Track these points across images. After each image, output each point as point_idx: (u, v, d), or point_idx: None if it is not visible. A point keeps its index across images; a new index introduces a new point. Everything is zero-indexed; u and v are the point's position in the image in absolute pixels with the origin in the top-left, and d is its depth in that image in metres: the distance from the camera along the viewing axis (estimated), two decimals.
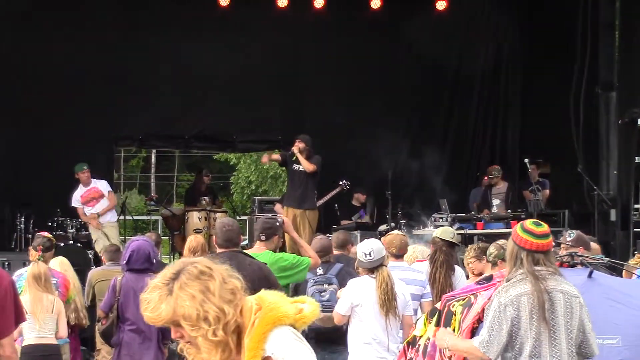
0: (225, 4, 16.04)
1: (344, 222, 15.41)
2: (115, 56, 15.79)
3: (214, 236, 9.57)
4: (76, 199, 14.44)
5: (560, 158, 15.55)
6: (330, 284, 8.10)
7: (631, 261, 7.95)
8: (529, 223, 4.88)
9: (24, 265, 9.82)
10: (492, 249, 7.36)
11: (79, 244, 14.34)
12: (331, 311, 7.64)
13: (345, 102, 16.70)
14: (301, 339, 2.89)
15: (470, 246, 8.24)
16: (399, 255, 8.32)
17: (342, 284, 7.83)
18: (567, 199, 14.68)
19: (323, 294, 8.03)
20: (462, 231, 13.05)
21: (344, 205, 15.65)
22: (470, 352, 4.84)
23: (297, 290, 8.30)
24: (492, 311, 4.74)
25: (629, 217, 13.97)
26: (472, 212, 14.61)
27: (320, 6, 16.31)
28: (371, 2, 16.28)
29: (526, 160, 14.41)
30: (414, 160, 15.65)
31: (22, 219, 14.76)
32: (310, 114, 16.59)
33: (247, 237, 15.56)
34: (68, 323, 8.37)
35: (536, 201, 14.27)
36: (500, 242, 7.30)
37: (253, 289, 6.22)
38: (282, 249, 10.45)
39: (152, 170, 36.61)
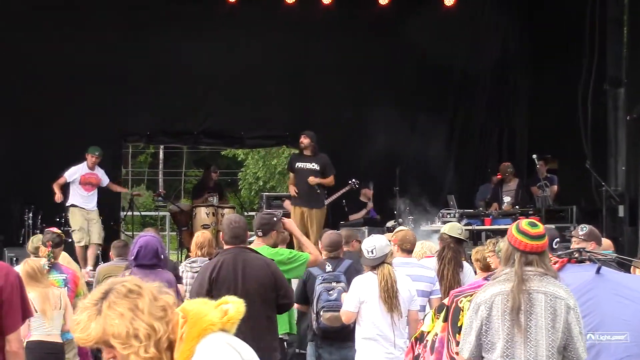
0: (234, 0, 16.02)
1: (352, 218, 15.41)
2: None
3: (221, 232, 9.60)
4: (73, 174, 14.20)
5: (568, 154, 15.52)
6: (338, 281, 8.07)
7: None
8: (524, 224, 4.76)
9: None
10: (501, 245, 7.34)
11: None
12: (338, 310, 7.64)
13: (352, 98, 16.69)
14: (232, 343, 2.90)
15: (488, 240, 8.37)
16: (411, 250, 8.35)
17: (350, 281, 7.82)
18: (575, 195, 14.64)
19: (331, 292, 8.00)
20: (470, 227, 13.04)
21: (352, 201, 15.66)
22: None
23: (306, 286, 8.30)
24: (469, 311, 4.73)
25: (637, 213, 13.91)
26: (480, 209, 14.60)
27: (328, 1, 16.29)
28: None
29: (534, 156, 14.39)
30: (421, 156, 15.64)
31: (30, 215, 14.78)
32: (317, 111, 16.56)
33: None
34: None
35: (544, 197, 14.25)
36: None
37: (259, 285, 6.31)
38: (290, 245, 10.44)
39: (160, 166, 36.60)
